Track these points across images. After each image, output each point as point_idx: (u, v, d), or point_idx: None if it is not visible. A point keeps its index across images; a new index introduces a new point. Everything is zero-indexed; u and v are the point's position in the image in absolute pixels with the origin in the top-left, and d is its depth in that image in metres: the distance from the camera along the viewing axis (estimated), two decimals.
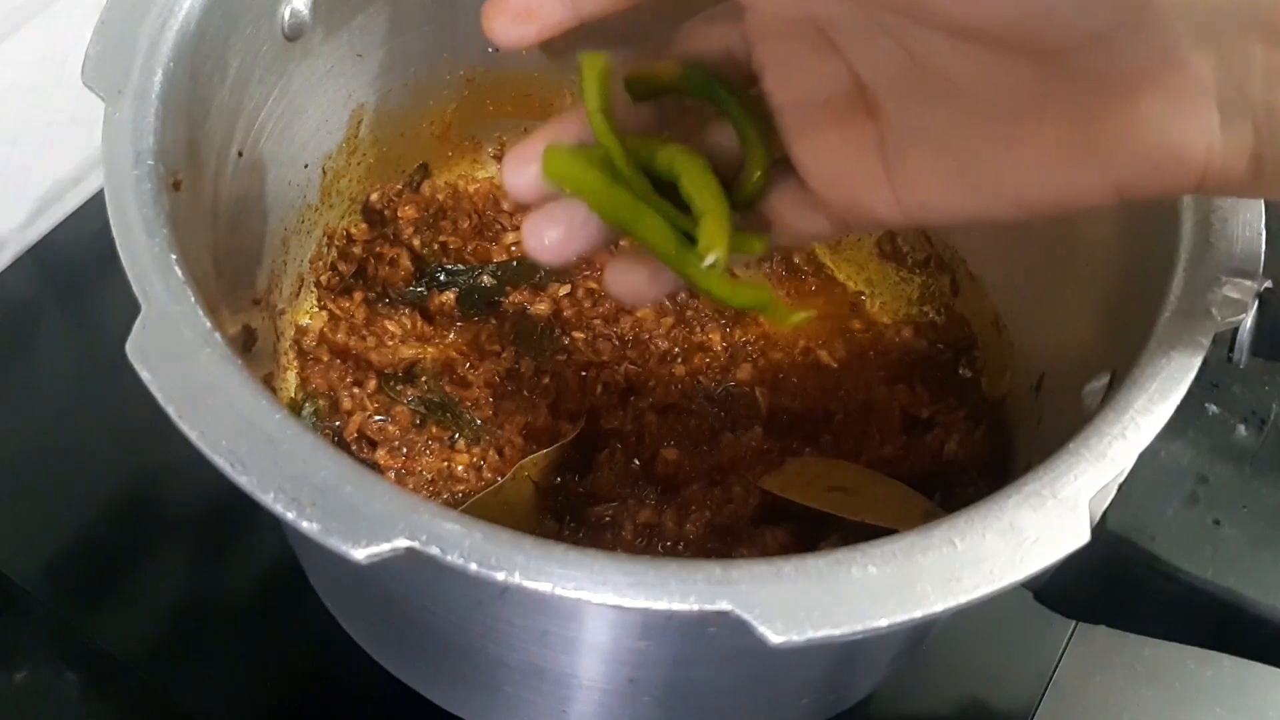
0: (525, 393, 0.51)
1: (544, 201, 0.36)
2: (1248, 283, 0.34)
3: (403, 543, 0.28)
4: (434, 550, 0.28)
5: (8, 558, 0.50)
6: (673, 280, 0.36)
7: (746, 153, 0.36)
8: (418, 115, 0.55)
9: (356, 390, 0.50)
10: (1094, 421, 0.32)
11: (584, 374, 0.52)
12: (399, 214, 0.55)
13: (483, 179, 0.58)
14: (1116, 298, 0.39)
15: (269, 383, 0.48)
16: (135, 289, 0.32)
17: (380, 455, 0.49)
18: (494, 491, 0.47)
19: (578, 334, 0.53)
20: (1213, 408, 0.37)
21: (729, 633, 0.28)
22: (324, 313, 0.53)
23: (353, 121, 0.51)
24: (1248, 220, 0.36)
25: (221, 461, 0.29)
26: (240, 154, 0.43)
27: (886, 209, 0.33)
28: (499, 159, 0.59)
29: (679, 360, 0.53)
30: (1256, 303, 0.34)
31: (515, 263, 0.56)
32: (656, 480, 0.49)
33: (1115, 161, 0.29)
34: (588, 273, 0.55)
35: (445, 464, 0.49)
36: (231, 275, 0.44)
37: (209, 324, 0.31)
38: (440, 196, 0.57)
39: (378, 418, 0.50)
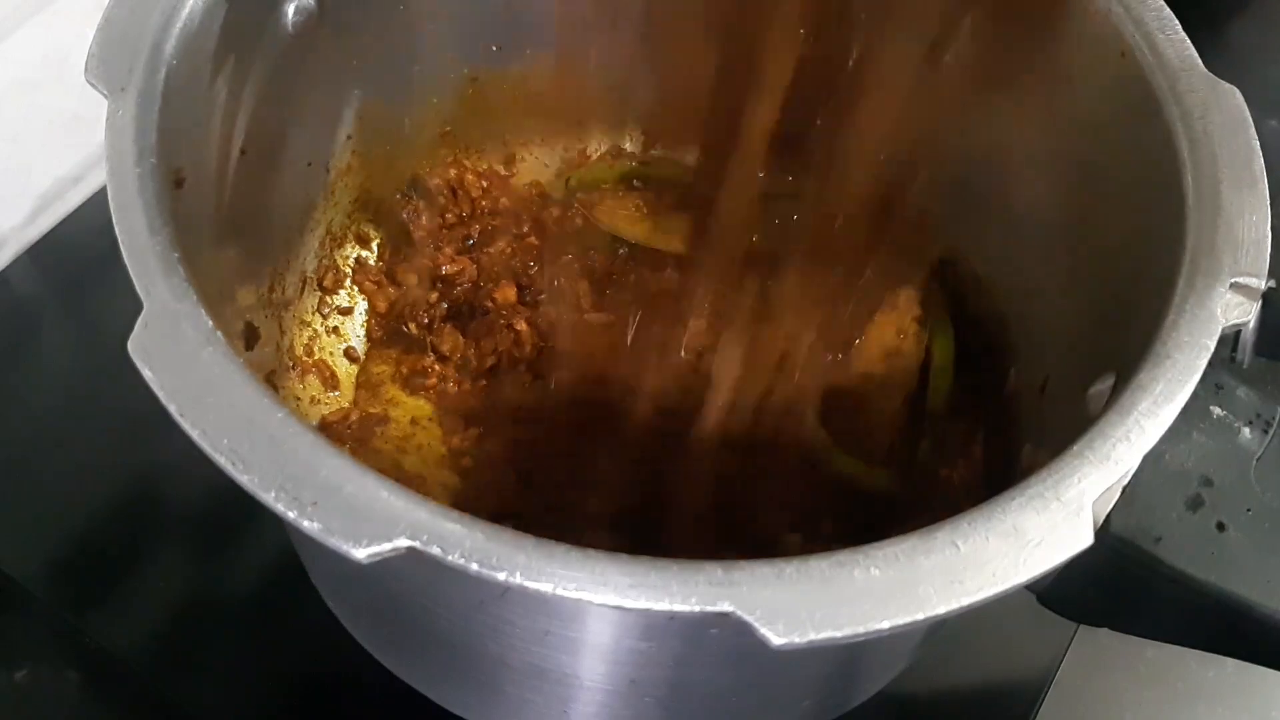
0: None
1: None
2: (1253, 284, 0.34)
3: (404, 542, 0.28)
4: (435, 550, 0.28)
5: (8, 556, 0.50)
6: None
7: None
8: (421, 113, 0.55)
9: None
10: (1098, 424, 0.32)
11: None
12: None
13: (485, 175, 0.58)
14: (1121, 299, 0.39)
15: (271, 381, 0.48)
16: (137, 287, 0.32)
17: None
18: None
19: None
20: (1217, 410, 0.37)
21: (731, 634, 0.27)
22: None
23: (356, 119, 0.51)
24: (1253, 221, 0.36)
25: (223, 460, 0.29)
26: (243, 152, 0.43)
27: None
28: (502, 158, 0.59)
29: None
30: (1260, 303, 0.34)
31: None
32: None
33: None
34: None
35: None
36: (234, 273, 0.44)
37: (211, 322, 0.31)
38: (441, 198, 0.57)
39: None
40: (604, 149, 0.60)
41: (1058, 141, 0.45)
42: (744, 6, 0.47)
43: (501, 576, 0.28)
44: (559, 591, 0.28)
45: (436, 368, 0.53)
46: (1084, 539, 0.29)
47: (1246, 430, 0.37)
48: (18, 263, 0.60)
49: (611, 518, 0.47)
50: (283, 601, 0.50)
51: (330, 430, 0.50)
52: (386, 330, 0.55)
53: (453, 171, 0.57)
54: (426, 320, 0.54)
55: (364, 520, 0.28)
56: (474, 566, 0.28)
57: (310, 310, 0.53)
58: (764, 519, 0.47)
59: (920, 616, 0.28)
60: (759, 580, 0.28)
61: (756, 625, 0.27)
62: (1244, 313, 0.34)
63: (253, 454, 0.29)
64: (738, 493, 0.49)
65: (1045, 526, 0.29)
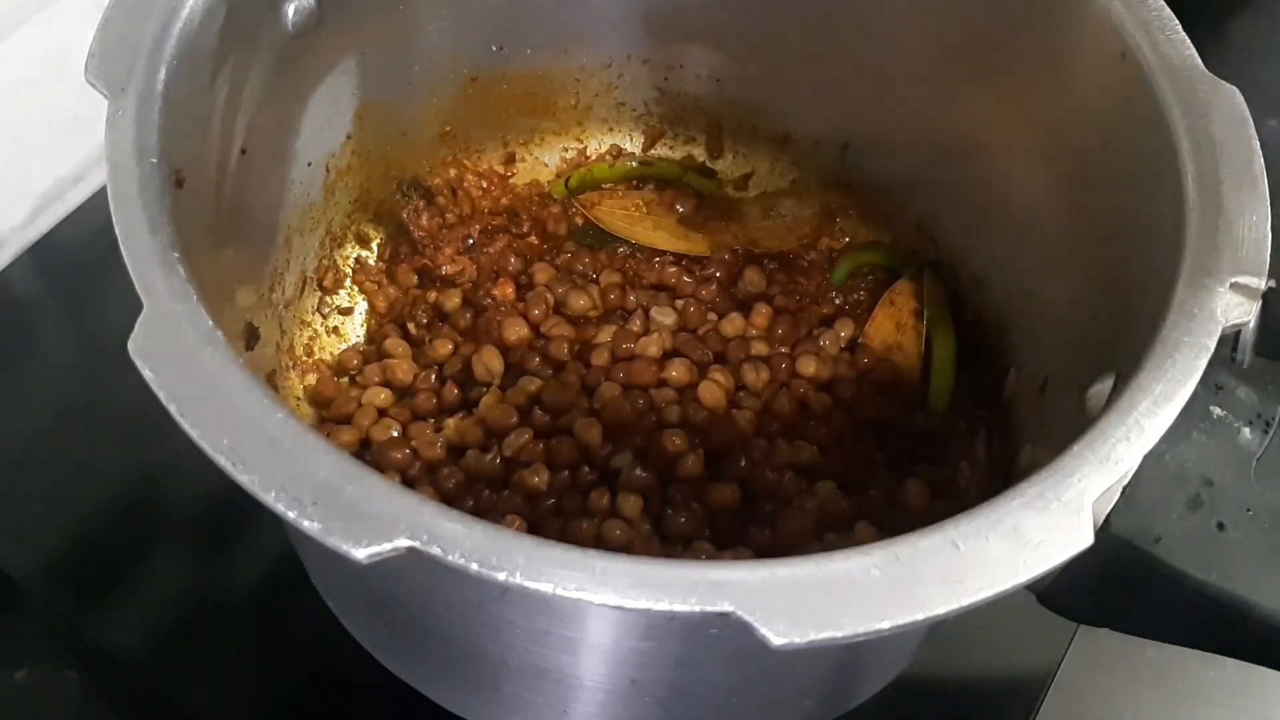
0: None
1: None
2: (1253, 284, 0.34)
3: (404, 542, 0.28)
4: (435, 550, 0.28)
5: (8, 556, 0.50)
6: None
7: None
8: (421, 113, 0.55)
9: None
10: (1098, 424, 0.32)
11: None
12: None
13: (485, 175, 0.58)
14: (1121, 299, 0.39)
15: (271, 381, 0.48)
16: (137, 287, 0.32)
17: None
18: None
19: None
20: (1217, 410, 0.37)
21: (731, 634, 0.27)
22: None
23: (356, 119, 0.51)
24: (1253, 221, 0.36)
25: (223, 460, 0.29)
26: (243, 151, 0.43)
27: None
28: (502, 158, 0.59)
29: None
30: (1260, 303, 0.34)
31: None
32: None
33: None
34: None
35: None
36: (234, 273, 0.44)
37: (211, 322, 0.31)
38: (441, 199, 0.57)
39: None
40: (604, 149, 0.60)
41: (1058, 142, 0.45)
42: None
43: (501, 576, 0.28)
44: (559, 591, 0.28)
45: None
46: (1084, 539, 0.29)
47: (1246, 430, 0.37)
48: (18, 263, 0.60)
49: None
50: (283, 601, 0.50)
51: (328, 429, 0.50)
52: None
53: (453, 171, 0.57)
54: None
55: (364, 520, 0.28)
56: (474, 566, 0.28)
57: (310, 310, 0.53)
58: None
59: (920, 616, 0.28)
60: (759, 580, 0.28)
61: (757, 625, 0.27)
62: (1244, 313, 0.34)
63: (253, 454, 0.29)
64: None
65: (1045, 527, 0.29)
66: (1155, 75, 0.39)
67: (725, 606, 0.27)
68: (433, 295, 0.55)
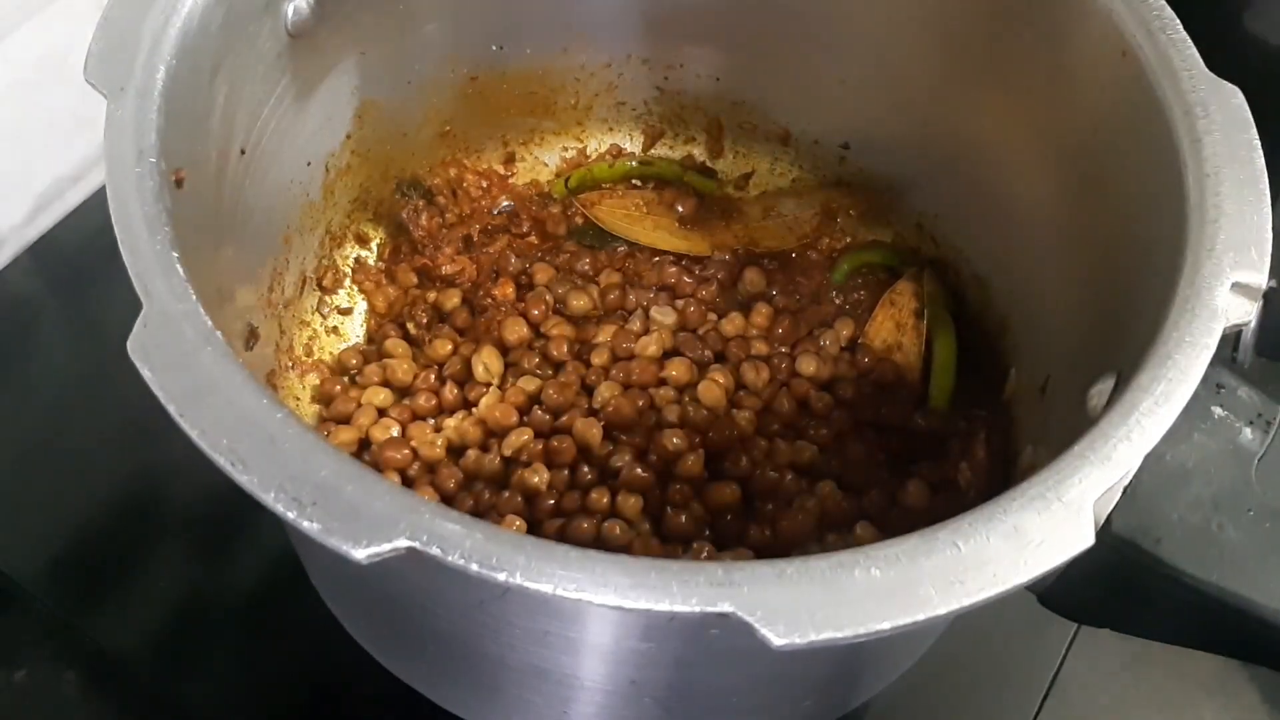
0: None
1: None
2: (1254, 283, 0.34)
3: (404, 543, 0.28)
4: (435, 550, 0.28)
5: (8, 556, 0.50)
6: None
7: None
8: (421, 113, 0.55)
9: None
10: (1099, 424, 0.32)
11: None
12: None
13: (485, 175, 0.58)
14: (1122, 299, 0.39)
15: (271, 381, 0.48)
16: (137, 287, 0.32)
17: None
18: None
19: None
20: (1218, 410, 0.37)
21: (731, 634, 0.27)
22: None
23: (355, 119, 0.51)
24: (1254, 221, 0.36)
25: (222, 460, 0.29)
26: (243, 151, 0.43)
27: None
28: (502, 158, 0.59)
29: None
30: (1261, 303, 0.34)
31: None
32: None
33: None
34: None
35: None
36: (233, 273, 0.44)
37: (210, 322, 0.31)
38: (441, 198, 0.57)
39: None
40: (604, 149, 0.60)
41: (1059, 142, 0.45)
42: None
43: (501, 577, 0.28)
44: (559, 592, 0.28)
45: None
46: (1085, 539, 0.29)
47: (1247, 430, 0.37)
48: (17, 262, 0.60)
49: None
50: (283, 601, 0.50)
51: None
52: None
53: (453, 171, 0.57)
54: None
55: (364, 520, 0.28)
56: (474, 567, 0.28)
57: (310, 310, 0.53)
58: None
59: (921, 617, 0.28)
60: (760, 581, 0.28)
61: (757, 626, 0.27)
62: (1245, 313, 0.34)
63: (252, 454, 0.29)
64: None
65: (1046, 527, 0.29)
66: (1155, 75, 0.39)
67: (725, 607, 0.27)
68: (432, 295, 0.55)
